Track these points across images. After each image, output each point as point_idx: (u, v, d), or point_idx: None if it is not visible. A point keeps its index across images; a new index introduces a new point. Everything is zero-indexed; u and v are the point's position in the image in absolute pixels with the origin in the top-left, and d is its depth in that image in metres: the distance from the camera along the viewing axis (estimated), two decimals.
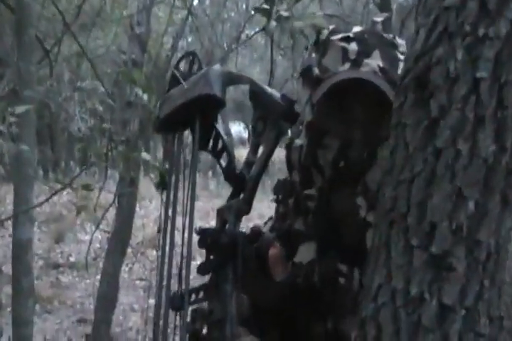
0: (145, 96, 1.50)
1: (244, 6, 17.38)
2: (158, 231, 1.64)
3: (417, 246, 1.05)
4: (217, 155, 1.62)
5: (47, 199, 1.76)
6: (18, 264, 2.14)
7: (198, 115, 1.55)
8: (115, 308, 4.07)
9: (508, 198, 1.08)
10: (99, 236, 8.53)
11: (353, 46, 1.47)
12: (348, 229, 1.46)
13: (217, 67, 1.62)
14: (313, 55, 1.53)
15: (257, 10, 1.86)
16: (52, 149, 18.29)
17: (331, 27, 1.56)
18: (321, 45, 1.52)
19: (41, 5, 4.00)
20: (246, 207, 1.55)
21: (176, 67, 1.69)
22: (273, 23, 1.79)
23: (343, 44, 1.48)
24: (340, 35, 1.50)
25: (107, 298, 4.11)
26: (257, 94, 1.57)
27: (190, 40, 18.19)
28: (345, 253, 1.46)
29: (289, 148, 1.57)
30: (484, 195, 1.05)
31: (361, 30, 1.53)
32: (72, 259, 8.72)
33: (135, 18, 4.23)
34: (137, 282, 7.75)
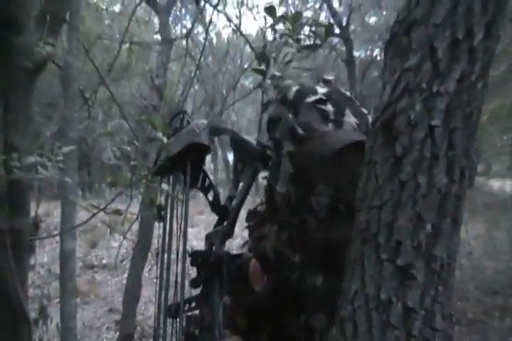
0: (160, 134, 1.48)
1: (239, 62, 17.48)
2: (157, 255, 1.62)
3: (386, 259, 1.05)
4: (205, 191, 1.62)
5: (86, 221, 1.75)
6: (63, 270, 2.14)
7: (189, 159, 1.55)
8: (138, 301, 4.04)
9: (457, 220, 1.08)
10: (126, 244, 8.55)
11: (329, 107, 1.37)
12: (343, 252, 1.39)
13: (203, 121, 1.60)
14: (286, 113, 1.40)
15: (254, 70, 1.84)
16: (89, 174, 18.32)
17: (295, 88, 1.44)
18: (292, 105, 1.41)
19: (82, 62, 4.01)
20: (229, 232, 1.55)
21: (170, 122, 1.69)
22: (267, 81, 1.77)
23: (320, 106, 1.37)
24: (313, 98, 1.39)
25: (131, 293, 4.08)
26: (237, 142, 1.57)
27: (197, 87, 18.25)
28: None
29: (270, 192, 1.48)
30: (439, 218, 1.04)
31: (327, 90, 1.43)
32: (104, 261, 8.69)
33: (154, 72, 4.23)
34: (155, 280, 7.72)
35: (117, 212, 1.65)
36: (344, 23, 8.71)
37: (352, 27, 12.85)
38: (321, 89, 1.44)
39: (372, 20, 16.38)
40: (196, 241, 11.16)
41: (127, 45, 7.13)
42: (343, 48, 10.04)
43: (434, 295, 1.05)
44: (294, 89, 1.44)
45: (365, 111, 1.43)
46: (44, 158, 1.47)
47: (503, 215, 10.13)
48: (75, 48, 1.92)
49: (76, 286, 2.19)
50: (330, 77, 1.51)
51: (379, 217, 1.07)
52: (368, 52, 18.58)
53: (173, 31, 13.61)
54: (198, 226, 11.80)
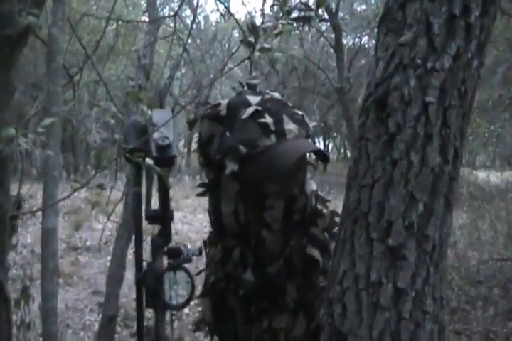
0: (149, 112, 1.42)
1: (226, 46, 17.44)
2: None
3: (377, 239, 1.04)
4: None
5: (68, 195, 1.71)
6: (45, 248, 2.10)
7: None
8: (122, 283, 4.02)
9: (450, 200, 1.07)
10: (110, 226, 8.54)
11: (268, 119, 1.27)
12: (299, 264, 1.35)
13: (132, 120, 1.53)
14: (219, 131, 1.32)
15: (242, 42, 1.79)
16: (74, 156, 18.22)
17: (225, 102, 1.35)
18: (225, 121, 1.31)
19: (68, 41, 3.94)
20: (162, 242, 1.47)
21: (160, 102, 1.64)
22: (256, 53, 1.73)
23: (259, 120, 1.27)
24: (248, 111, 1.29)
25: (115, 275, 4.06)
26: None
27: (184, 71, 18.16)
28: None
29: (216, 213, 1.40)
30: (431, 197, 1.04)
31: (260, 99, 1.33)
32: (88, 243, 8.66)
33: (141, 52, 4.18)
34: None
35: (100, 186, 1.61)
36: (333, 9, 8.66)
37: (341, 14, 12.81)
38: (254, 99, 1.34)
39: (362, 8, 16.35)
40: (181, 224, 11.17)
41: (114, 25, 7.05)
42: (332, 35, 9.99)
43: (425, 276, 1.04)
44: (224, 103, 1.34)
45: (300, 113, 1.35)
46: (25, 131, 1.43)
47: (488, 206, 10.20)
48: (60, 20, 1.87)
49: (57, 265, 2.15)
50: (255, 81, 1.43)
51: (370, 195, 1.05)
52: (357, 40, 18.58)
53: (161, 13, 13.53)
54: (183, 211, 11.79)
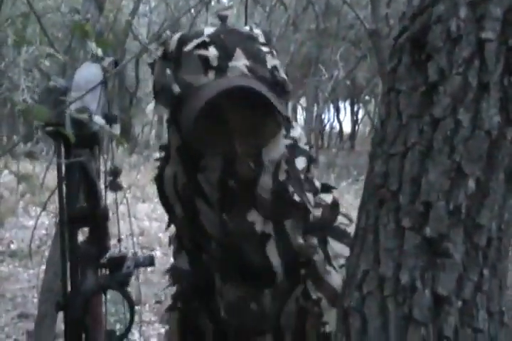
0: (100, 51, 1.45)
1: None
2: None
3: (409, 228, 1.04)
4: None
5: None
6: None
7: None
8: None
9: None
10: (46, 222, 8.50)
11: (212, 51, 1.41)
12: (247, 248, 1.44)
13: (49, 83, 1.55)
14: (166, 71, 1.45)
15: None
16: None
17: (178, 35, 1.49)
18: (172, 58, 1.45)
19: None
20: (92, 250, 1.53)
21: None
22: None
23: (199, 52, 1.41)
24: (194, 43, 1.43)
25: (52, 290, 4.07)
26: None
27: (153, 4, 18.14)
28: (250, 275, 1.47)
29: (158, 181, 1.54)
30: (487, 172, 1.03)
31: (215, 30, 1.46)
32: (13, 247, 8.68)
33: None
34: None
35: (30, 154, 1.63)
36: None
37: None
38: (208, 30, 1.47)
39: None
40: (148, 221, 11.16)
41: None
42: None
43: (477, 281, 1.04)
44: (176, 37, 1.46)
45: (267, 49, 1.47)
46: None
47: None
48: None
49: None
50: (227, 13, 1.52)
51: (401, 168, 1.06)
52: None
53: None
54: (151, 201, 11.81)
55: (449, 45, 1.04)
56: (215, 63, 1.39)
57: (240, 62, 1.40)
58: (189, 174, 1.43)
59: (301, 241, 1.46)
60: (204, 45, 1.41)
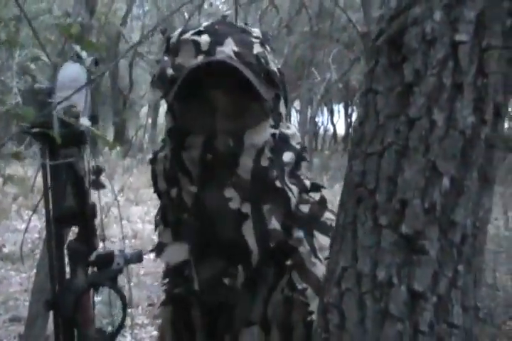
0: (84, 54, 1.46)
1: None
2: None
3: (386, 225, 1.06)
4: None
5: None
6: None
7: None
8: None
9: (488, 175, 1.08)
10: (38, 225, 8.48)
11: (205, 38, 1.52)
12: (223, 224, 1.50)
13: (33, 85, 1.56)
14: (163, 58, 1.59)
15: None
16: None
17: (180, 29, 1.63)
18: (173, 48, 1.58)
19: None
20: (83, 248, 1.55)
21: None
22: None
23: (193, 38, 1.53)
24: (191, 32, 1.55)
25: (44, 292, 4.07)
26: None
27: (147, 8, 18.14)
28: (225, 251, 1.52)
29: (152, 162, 1.66)
30: (461, 170, 1.05)
31: (211, 22, 1.59)
32: (5, 250, 8.66)
33: None
34: None
35: (17, 156, 1.64)
36: None
37: None
38: (206, 23, 1.60)
39: None
40: (142, 223, 11.14)
41: None
42: None
43: (451, 277, 1.06)
44: (177, 32, 1.59)
45: (255, 40, 1.57)
46: None
47: None
48: None
49: None
50: (227, 13, 1.66)
51: (378, 167, 1.08)
52: None
53: None
54: (145, 204, 11.80)
55: (424, 47, 1.05)
56: (205, 48, 1.50)
57: (229, 47, 1.50)
58: (175, 152, 1.52)
59: (277, 226, 1.52)
60: (199, 33, 1.54)
